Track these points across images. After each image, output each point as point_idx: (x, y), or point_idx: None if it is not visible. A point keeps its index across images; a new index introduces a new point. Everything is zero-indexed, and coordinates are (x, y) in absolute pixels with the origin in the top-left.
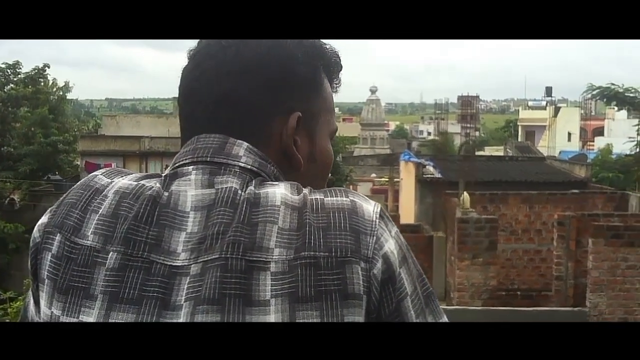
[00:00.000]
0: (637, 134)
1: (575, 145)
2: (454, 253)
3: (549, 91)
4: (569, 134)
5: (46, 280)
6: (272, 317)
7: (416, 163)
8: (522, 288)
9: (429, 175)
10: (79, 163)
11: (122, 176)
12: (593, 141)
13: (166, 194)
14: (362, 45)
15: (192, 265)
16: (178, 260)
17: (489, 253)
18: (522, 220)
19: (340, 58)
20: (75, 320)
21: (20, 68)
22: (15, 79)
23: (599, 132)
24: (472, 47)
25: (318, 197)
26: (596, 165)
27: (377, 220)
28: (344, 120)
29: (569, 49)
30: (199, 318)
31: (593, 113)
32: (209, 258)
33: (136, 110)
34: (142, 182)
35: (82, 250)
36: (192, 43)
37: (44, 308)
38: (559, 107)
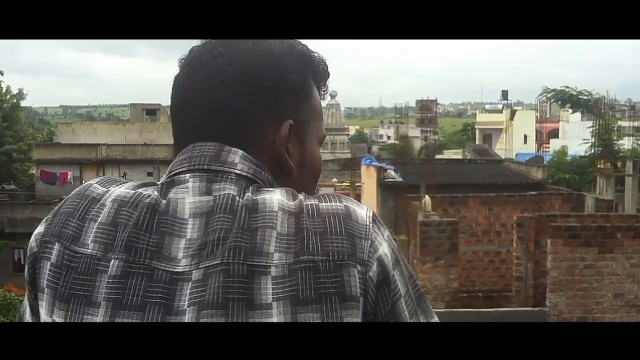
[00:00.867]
0: (592, 136)
1: (531, 148)
2: (417, 256)
3: (505, 94)
4: (525, 137)
5: (46, 289)
6: (274, 320)
7: (377, 167)
8: (483, 289)
9: (391, 179)
10: (34, 172)
11: (117, 185)
12: (548, 143)
13: (164, 201)
14: (320, 49)
15: (194, 271)
16: (179, 266)
17: (451, 255)
18: (481, 222)
19: (328, 66)
20: None
21: None
22: None
23: (554, 134)
24: (429, 51)
25: (313, 202)
26: (552, 167)
27: (371, 225)
28: None
29: (524, 53)
30: (204, 322)
31: (548, 116)
32: (211, 264)
33: (91, 117)
34: (139, 190)
35: (83, 259)
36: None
37: (45, 316)
38: (515, 110)
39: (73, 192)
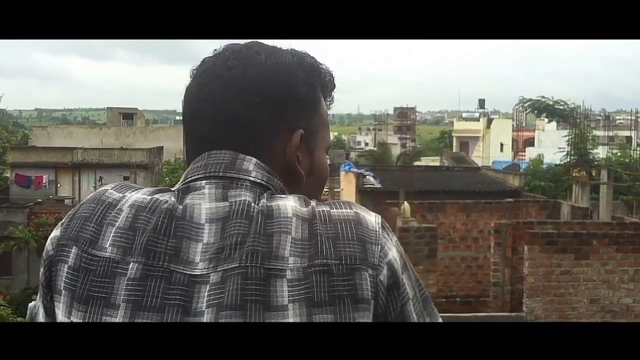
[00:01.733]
0: (567, 145)
1: (507, 156)
2: None
3: (482, 103)
4: (502, 145)
5: (63, 291)
6: (290, 321)
7: (356, 173)
8: (460, 294)
9: (369, 185)
10: (8, 175)
11: (133, 191)
12: (524, 151)
13: (181, 207)
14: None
15: (212, 274)
16: (197, 269)
17: (429, 261)
18: (459, 229)
19: (334, 77)
20: None
21: None
22: None
23: (530, 142)
24: (407, 59)
25: (325, 209)
26: (528, 175)
27: (380, 230)
28: None
29: (500, 63)
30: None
31: (524, 124)
32: (229, 267)
33: (67, 120)
34: (156, 196)
35: (101, 262)
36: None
37: (62, 317)
38: (492, 119)
39: (88, 197)
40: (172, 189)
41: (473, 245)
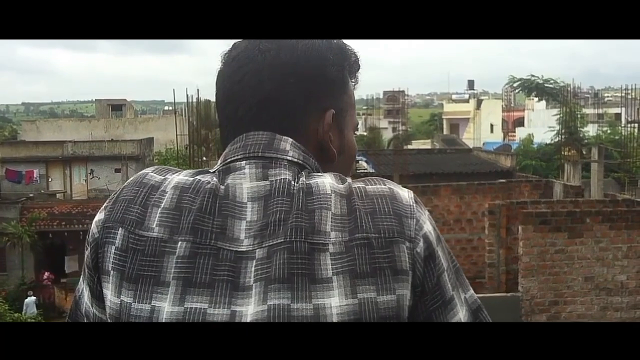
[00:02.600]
0: (557, 124)
1: (498, 136)
2: None
3: (471, 84)
4: (492, 126)
5: (112, 272)
6: (335, 292)
7: None
8: None
9: (363, 170)
10: None
11: (174, 173)
12: (514, 132)
13: (222, 187)
14: None
15: (257, 250)
16: (242, 246)
17: None
18: (453, 211)
19: (359, 58)
20: (147, 305)
21: None
22: None
23: (520, 122)
24: (395, 42)
25: (360, 185)
26: (519, 155)
27: (414, 205)
28: None
29: (486, 43)
30: (271, 295)
31: (513, 105)
32: (275, 242)
33: (54, 114)
34: (198, 177)
35: (149, 242)
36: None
37: (112, 297)
38: (482, 100)
39: (129, 180)
40: (212, 170)
41: (467, 227)
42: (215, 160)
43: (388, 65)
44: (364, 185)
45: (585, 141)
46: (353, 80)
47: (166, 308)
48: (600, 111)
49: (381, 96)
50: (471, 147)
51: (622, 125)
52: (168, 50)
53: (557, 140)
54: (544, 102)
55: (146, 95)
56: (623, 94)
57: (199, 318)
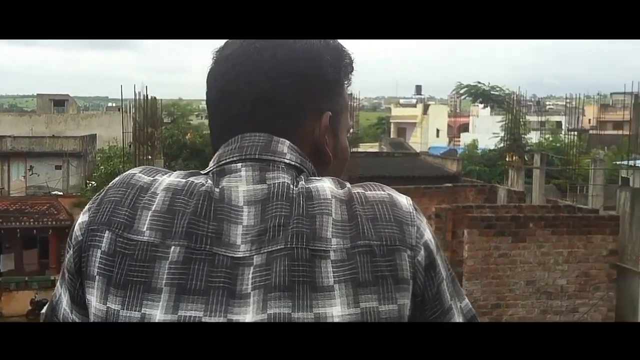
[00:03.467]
0: (501, 130)
1: (443, 141)
2: None
3: (418, 89)
4: (438, 131)
5: (97, 277)
6: (337, 301)
7: None
8: None
9: None
10: None
11: (164, 174)
12: (459, 137)
13: (217, 190)
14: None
15: (255, 256)
16: (239, 252)
17: None
18: None
19: (353, 60)
20: (137, 312)
21: None
22: None
23: (465, 128)
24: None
25: (360, 191)
26: (464, 160)
27: (414, 212)
28: None
29: (431, 51)
30: (271, 304)
31: (458, 110)
32: (274, 248)
33: None
34: (190, 179)
35: (139, 246)
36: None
37: (97, 304)
38: (428, 105)
39: (115, 181)
40: (204, 172)
41: None
42: (160, 159)
43: None
44: (363, 191)
45: (528, 148)
46: (347, 82)
47: (158, 316)
48: (543, 119)
49: None
50: (418, 151)
51: (563, 133)
52: (112, 45)
53: (501, 146)
54: (488, 109)
55: (89, 91)
56: (564, 103)
57: None
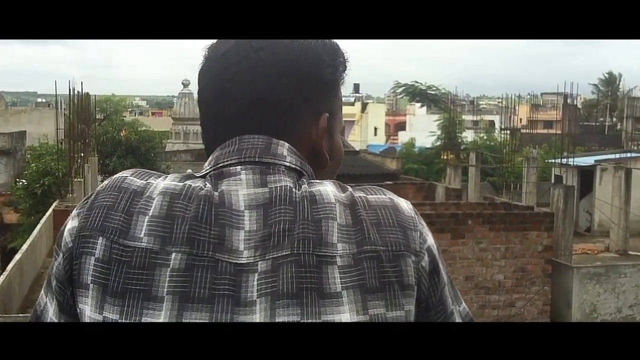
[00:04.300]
0: (438, 128)
1: (381, 140)
2: None
3: (357, 88)
4: (376, 129)
5: (91, 285)
6: (345, 308)
7: None
8: None
9: None
10: None
11: (157, 177)
12: (397, 135)
13: (217, 193)
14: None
15: (260, 262)
16: (242, 258)
17: None
18: None
19: (347, 59)
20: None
21: None
22: None
23: (402, 127)
24: None
25: (362, 194)
26: (402, 158)
27: (416, 217)
28: (153, 114)
29: (367, 49)
30: (279, 312)
31: (395, 109)
32: (280, 254)
33: None
34: (188, 182)
35: (136, 252)
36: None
37: (91, 313)
38: (367, 103)
39: (104, 185)
40: (199, 175)
41: None
42: (94, 156)
43: None
44: (365, 195)
45: (464, 146)
46: (342, 81)
47: None
48: (477, 118)
49: None
50: (358, 149)
51: (497, 132)
52: (41, 39)
53: (437, 144)
54: (425, 108)
55: (17, 86)
56: (497, 103)
57: None
